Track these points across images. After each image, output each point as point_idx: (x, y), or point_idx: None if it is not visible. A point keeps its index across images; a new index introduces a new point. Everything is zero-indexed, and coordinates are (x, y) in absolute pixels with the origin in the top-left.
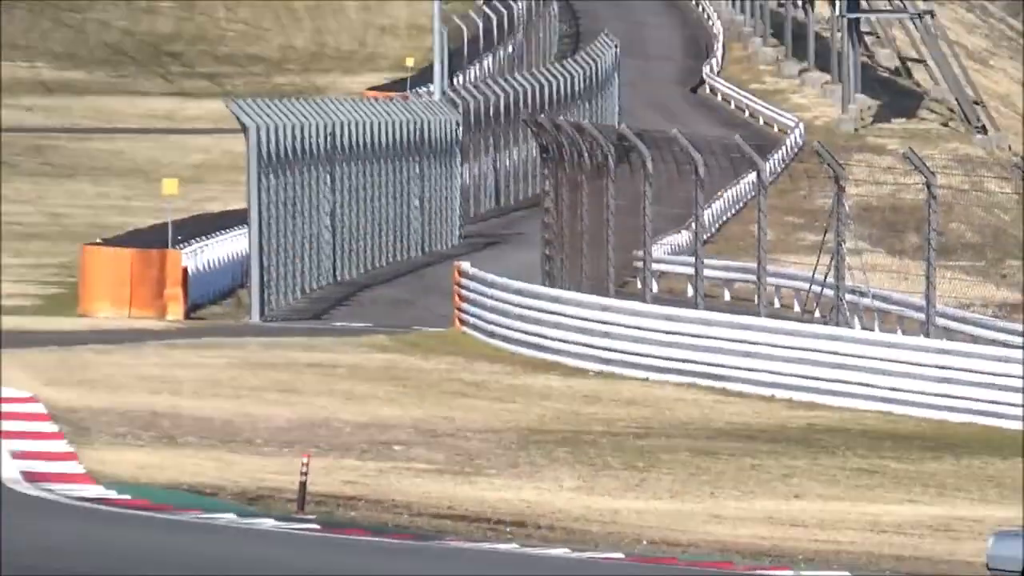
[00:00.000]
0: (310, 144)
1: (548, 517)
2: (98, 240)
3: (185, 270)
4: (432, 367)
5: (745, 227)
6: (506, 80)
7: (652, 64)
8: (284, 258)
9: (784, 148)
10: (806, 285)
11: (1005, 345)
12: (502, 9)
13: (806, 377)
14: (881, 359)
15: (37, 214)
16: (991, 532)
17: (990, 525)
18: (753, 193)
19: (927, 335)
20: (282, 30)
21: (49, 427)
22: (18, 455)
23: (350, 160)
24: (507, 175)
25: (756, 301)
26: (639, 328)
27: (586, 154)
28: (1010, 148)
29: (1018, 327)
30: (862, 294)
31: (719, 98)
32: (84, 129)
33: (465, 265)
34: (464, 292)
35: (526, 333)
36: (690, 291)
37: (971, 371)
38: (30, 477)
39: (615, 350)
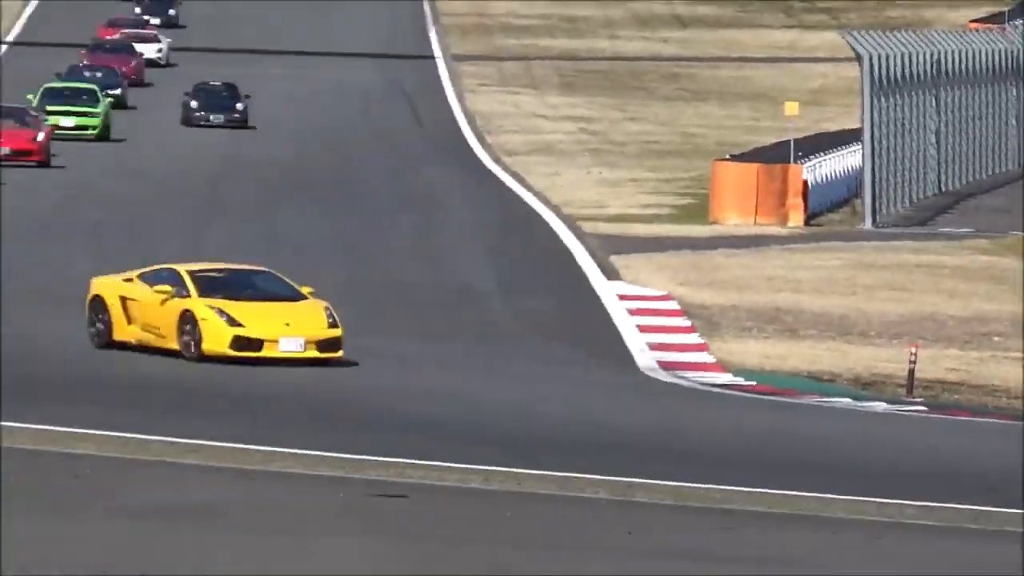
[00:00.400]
0: (917, 71)
1: None
2: (727, 156)
3: (805, 182)
4: None
5: None
6: None
7: None
8: (894, 171)
9: None
10: None
11: None
12: None
13: None
14: None
15: (671, 134)
16: None
17: None
18: None
19: None
20: None
21: (682, 322)
22: (655, 347)
23: (954, 85)
24: None
25: None
26: None
27: None
28: None
29: None
30: None
31: None
32: (714, 58)
33: None
34: None
35: None
36: None
37: None
38: (666, 366)
39: None
